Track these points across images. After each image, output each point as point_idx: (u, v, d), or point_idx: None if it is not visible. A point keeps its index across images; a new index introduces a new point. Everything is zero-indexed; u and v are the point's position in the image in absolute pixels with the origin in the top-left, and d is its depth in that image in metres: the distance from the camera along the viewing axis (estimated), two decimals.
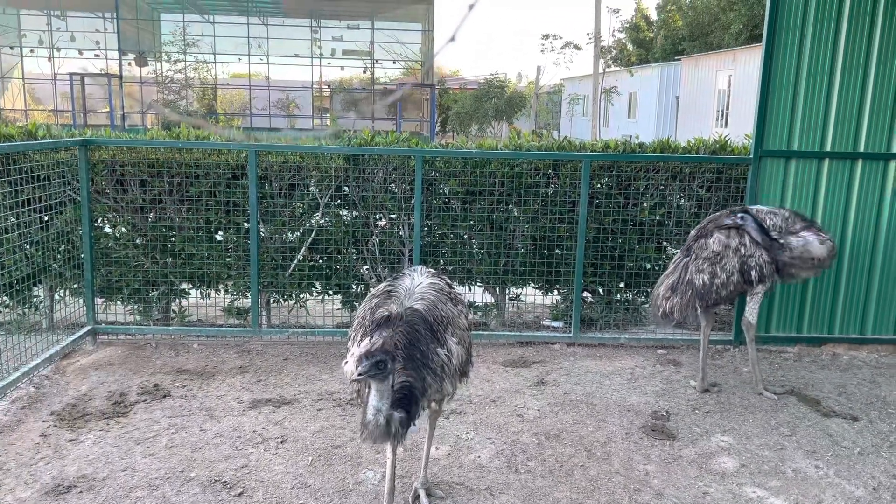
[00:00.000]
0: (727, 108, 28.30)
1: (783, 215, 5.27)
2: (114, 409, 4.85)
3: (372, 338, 3.28)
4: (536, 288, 6.67)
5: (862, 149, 6.10)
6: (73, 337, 5.90)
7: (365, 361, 2.96)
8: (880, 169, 6.16)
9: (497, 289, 6.73)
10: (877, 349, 6.37)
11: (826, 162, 6.13)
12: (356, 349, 3.34)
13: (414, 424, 3.19)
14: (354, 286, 6.47)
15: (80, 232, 6.04)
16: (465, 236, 6.47)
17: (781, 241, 5.10)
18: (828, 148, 6.10)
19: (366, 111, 31.98)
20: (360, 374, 2.95)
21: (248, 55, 33.32)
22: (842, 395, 5.38)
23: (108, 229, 6.33)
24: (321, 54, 34.42)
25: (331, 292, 6.53)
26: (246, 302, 6.46)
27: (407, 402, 3.11)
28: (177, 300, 6.55)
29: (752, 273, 5.13)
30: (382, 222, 6.46)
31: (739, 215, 5.16)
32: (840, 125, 6.07)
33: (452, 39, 2.07)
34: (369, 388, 3.09)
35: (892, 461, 4.39)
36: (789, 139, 6.10)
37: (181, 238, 6.23)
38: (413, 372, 3.17)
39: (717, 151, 6.43)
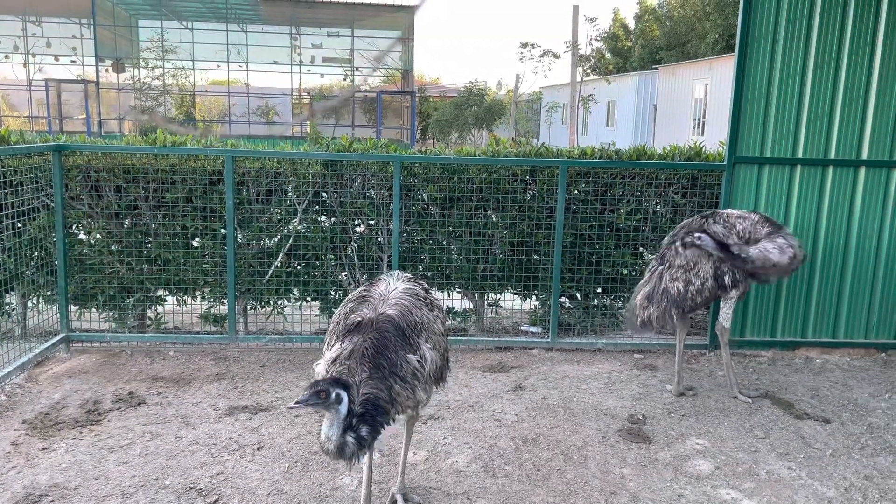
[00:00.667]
0: (704, 117, 28.66)
1: (752, 220, 5.33)
2: (87, 417, 4.78)
3: (343, 343, 3.26)
4: (515, 293, 6.70)
5: (832, 156, 6.21)
6: (47, 345, 5.82)
7: (307, 391, 2.91)
8: (850, 175, 6.27)
9: (476, 294, 6.75)
10: (849, 353, 6.47)
11: (798, 168, 6.23)
12: (328, 353, 3.33)
13: (379, 439, 3.16)
14: (333, 292, 6.46)
15: (54, 238, 5.97)
16: (444, 242, 6.48)
17: (742, 254, 5.07)
18: (799, 155, 6.20)
19: (346, 118, 31.97)
20: (296, 404, 2.90)
21: (227, 62, 33.18)
22: (814, 398, 5.46)
23: (82, 236, 6.26)
24: (301, 61, 34.36)
25: (309, 298, 6.50)
26: (223, 309, 6.42)
27: (371, 417, 3.06)
28: (153, 307, 6.49)
29: (726, 278, 5.19)
30: (361, 228, 6.46)
31: (696, 235, 5.15)
32: (811, 133, 6.18)
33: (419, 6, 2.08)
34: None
35: (863, 462, 4.46)
36: (762, 146, 6.20)
37: (157, 244, 6.18)
38: (379, 382, 3.12)
39: (692, 158, 6.51)
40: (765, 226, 5.26)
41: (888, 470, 4.37)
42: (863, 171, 6.27)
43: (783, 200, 6.26)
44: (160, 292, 6.42)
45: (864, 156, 6.24)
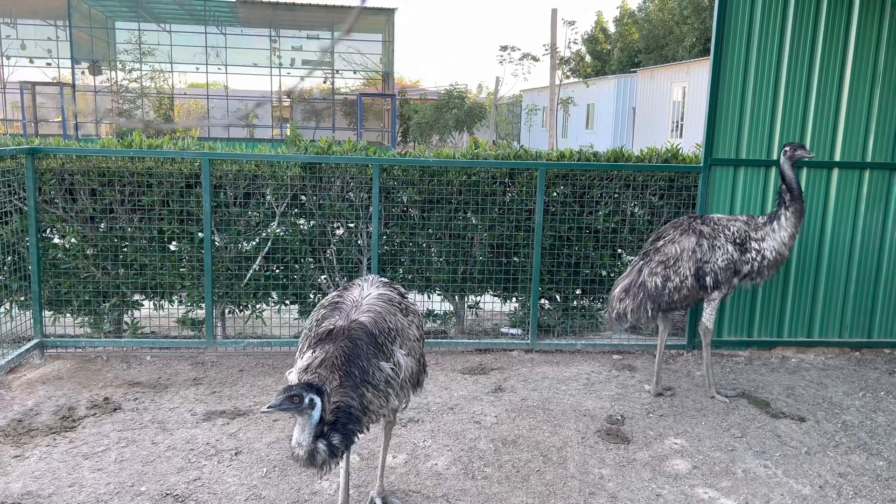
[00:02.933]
0: (682, 119, 28.92)
1: (742, 220, 5.41)
2: (61, 424, 4.72)
3: (314, 352, 3.23)
4: (495, 295, 6.71)
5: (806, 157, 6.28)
6: (20, 351, 5.73)
7: (280, 395, 2.89)
8: (824, 177, 6.37)
9: (456, 297, 6.75)
10: (823, 352, 6.56)
11: (773, 170, 6.30)
12: (299, 362, 3.30)
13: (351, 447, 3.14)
14: (312, 296, 6.42)
15: (27, 242, 5.88)
16: (424, 244, 6.48)
17: (761, 251, 5.32)
18: (774, 157, 6.28)
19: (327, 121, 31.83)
20: (269, 408, 2.87)
21: (206, 64, 32.91)
22: (790, 397, 5.52)
23: (56, 240, 6.18)
24: (280, 64, 34.20)
25: (287, 302, 6.47)
26: (200, 313, 6.36)
27: (343, 425, 3.03)
28: (129, 312, 6.42)
29: (708, 279, 5.23)
30: (340, 231, 6.44)
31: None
32: (785, 135, 6.26)
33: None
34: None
35: (837, 460, 4.52)
36: (738, 148, 6.27)
37: (133, 248, 6.11)
38: (350, 391, 3.09)
39: (669, 160, 6.57)
40: (758, 217, 5.44)
41: (862, 467, 4.43)
42: (836, 172, 6.36)
43: (759, 202, 6.33)
44: (136, 297, 6.35)
45: (837, 157, 6.33)
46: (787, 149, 5.35)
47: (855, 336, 6.61)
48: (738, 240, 5.29)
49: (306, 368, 3.18)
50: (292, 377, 3.25)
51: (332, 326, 3.29)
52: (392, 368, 3.31)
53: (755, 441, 4.75)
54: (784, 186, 5.35)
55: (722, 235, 5.27)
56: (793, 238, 5.35)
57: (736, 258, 5.27)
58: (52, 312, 6.21)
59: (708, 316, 5.40)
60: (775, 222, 5.33)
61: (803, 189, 6.33)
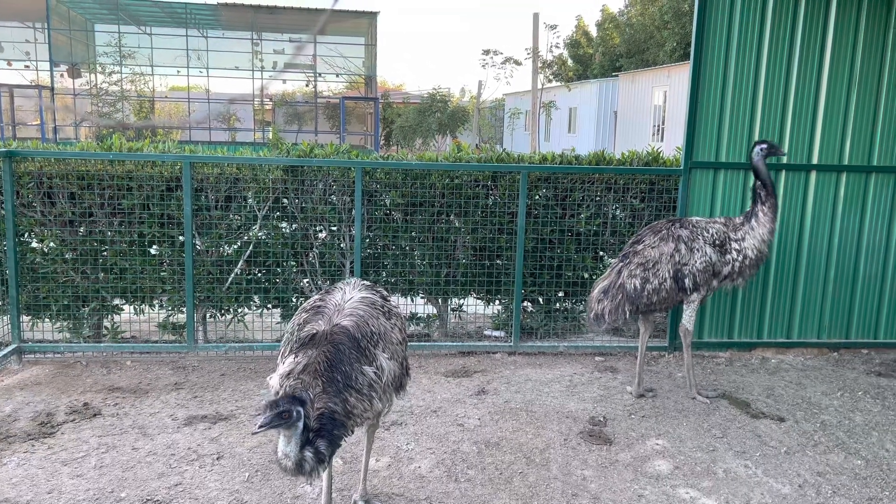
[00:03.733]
0: (663, 123, 29.16)
1: (721, 221, 5.49)
2: (40, 430, 4.66)
3: (296, 357, 3.20)
4: (478, 298, 6.72)
5: (785, 160, 6.38)
6: None
7: (268, 412, 2.86)
8: (802, 179, 6.45)
9: (439, 299, 6.75)
10: (802, 352, 6.64)
11: (752, 173, 6.37)
12: (281, 367, 3.28)
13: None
14: (294, 299, 6.40)
15: (5, 247, 5.81)
16: (407, 247, 6.48)
17: (743, 251, 5.40)
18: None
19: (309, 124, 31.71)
20: (260, 428, 2.84)
21: (188, 67, 32.68)
22: (770, 397, 5.58)
23: (35, 244, 6.11)
24: (262, 67, 34.03)
25: (270, 306, 6.44)
26: (182, 317, 6.31)
27: (328, 431, 3.03)
28: (109, 316, 6.35)
29: (686, 281, 5.28)
30: (323, 234, 6.42)
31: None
32: (764, 138, 6.32)
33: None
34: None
35: (816, 459, 4.57)
36: (717, 151, 6.34)
37: (113, 252, 6.06)
38: (334, 396, 3.08)
39: (650, 163, 6.63)
40: (735, 218, 5.53)
41: (840, 466, 4.49)
42: (814, 175, 6.45)
43: (738, 204, 6.40)
44: (117, 301, 6.28)
45: (815, 160, 6.42)
46: (763, 146, 5.45)
47: (833, 337, 6.70)
48: (717, 242, 5.35)
49: (288, 374, 3.15)
50: (273, 382, 3.23)
51: (314, 331, 3.27)
52: (375, 372, 3.30)
53: (736, 441, 4.80)
54: (759, 183, 5.45)
55: (700, 238, 5.33)
56: (772, 234, 5.45)
57: (715, 260, 5.33)
58: (30, 317, 6.14)
59: (688, 318, 5.44)
60: (753, 220, 5.42)
61: (782, 192, 6.44)
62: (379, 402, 3.35)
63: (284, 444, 2.96)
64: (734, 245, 5.38)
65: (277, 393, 3.15)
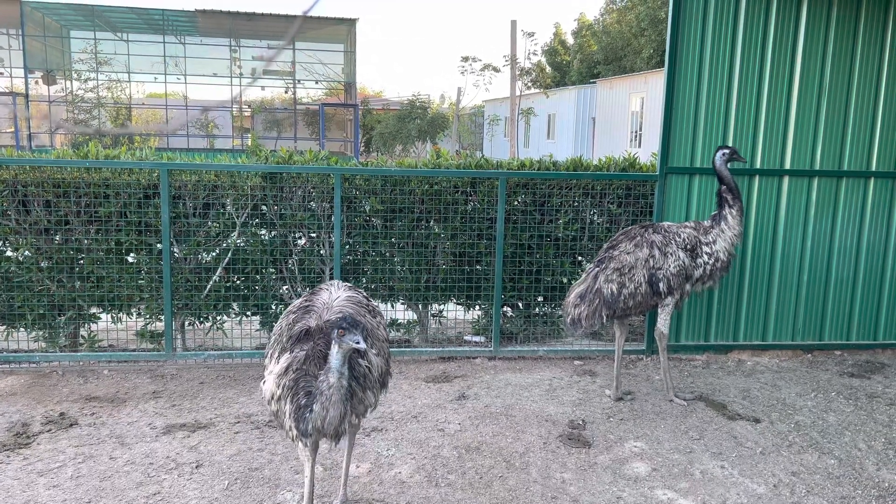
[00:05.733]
0: (640, 129, 29.45)
1: (691, 226, 5.57)
2: (15, 441, 4.60)
3: (293, 352, 3.25)
4: (458, 303, 6.74)
5: (759, 166, 6.49)
6: None
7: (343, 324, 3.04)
8: (775, 185, 6.57)
9: (419, 305, 6.77)
10: (777, 355, 6.74)
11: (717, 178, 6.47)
12: (275, 367, 3.31)
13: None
14: (274, 306, 6.38)
15: None
16: (387, 254, 6.49)
17: (714, 254, 5.48)
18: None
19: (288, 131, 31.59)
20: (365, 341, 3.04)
21: (165, 74, 32.42)
22: (746, 399, 5.66)
23: (9, 252, 6.03)
24: (241, 74, 33.87)
25: (249, 313, 6.41)
26: (160, 325, 6.27)
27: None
28: (86, 325, 6.29)
29: (661, 285, 5.35)
30: (302, 241, 6.42)
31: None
32: (738, 143, 6.44)
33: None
34: (329, 354, 3.11)
35: (790, 459, 4.65)
36: (692, 157, 6.43)
37: (90, 260, 6.00)
38: None
39: (627, 169, 6.71)
40: (703, 222, 5.64)
41: (814, 466, 4.56)
42: (786, 180, 6.57)
43: (713, 208, 6.47)
44: (93, 310, 6.22)
45: (787, 165, 6.54)
46: (725, 151, 5.59)
47: (807, 339, 6.81)
48: (688, 246, 5.44)
49: (286, 370, 3.20)
50: (268, 385, 3.26)
51: (307, 327, 3.34)
52: (367, 366, 3.40)
53: (712, 442, 4.86)
54: (724, 187, 5.57)
55: (673, 243, 5.42)
56: (740, 236, 5.58)
57: (687, 264, 5.42)
58: (4, 326, 6.06)
59: (662, 321, 5.51)
60: (723, 223, 5.53)
61: (756, 197, 6.54)
62: (371, 394, 3.46)
63: (340, 364, 3.09)
64: (705, 248, 5.48)
65: (273, 395, 3.21)
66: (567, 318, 5.40)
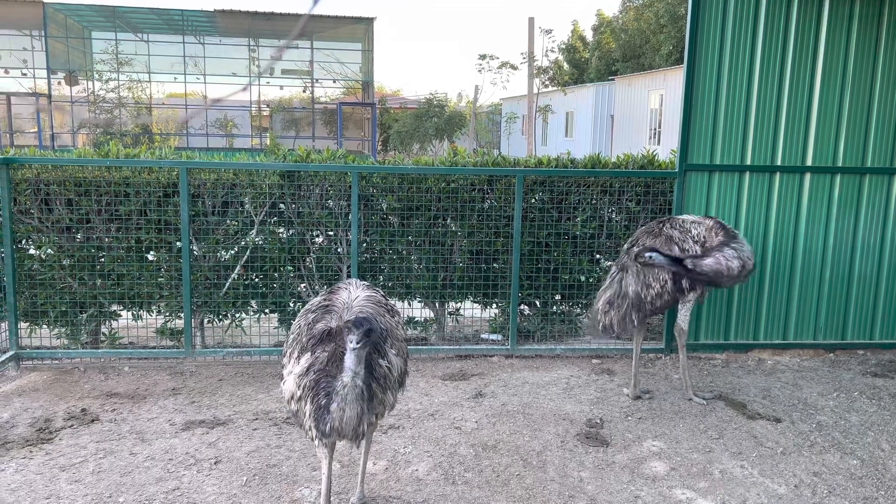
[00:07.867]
0: (659, 126, 29.23)
1: (707, 225, 5.45)
2: (38, 436, 4.66)
3: (314, 353, 3.25)
4: (475, 302, 6.73)
5: (779, 163, 6.41)
6: None
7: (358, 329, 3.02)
8: (796, 181, 6.48)
9: (436, 303, 6.77)
10: (798, 353, 6.66)
11: (746, 175, 6.42)
12: (295, 367, 3.30)
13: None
14: (291, 304, 6.41)
15: (2, 254, 5.82)
16: (404, 252, 6.49)
17: (696, 268, 5.12)
18: (748, 162, 6.39)
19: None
20: (358, 344, 3.00)
21: (185, 74, 32.71)
22: (766, 399, 5.60)
23: (32, 250, 6.12)
24: (259, 73, 34.06)
25: (267, 311, 6.45)
26: (179, 323, 6.33)
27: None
28: (107, 322, 6.37)
29: (684, 282, 5.30)
30: (320, 239, 6.44)
31: (647, 255, 5.12)
32: (758, 140, 6.37)
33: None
34: (343, 355, 3.10)
35: (812, 459, 4.59)
36: (712, 154, 6.37)
37: (111, 258, 6.07)
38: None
39: (645, 166, 6.65)
40: (718, 233, 5.36)
41: (836, 466, 4.50)
42: (808, 177, 6.49)
43: (733, 206, 6.43)
44: (114, 307, 6.30)
45: (809, 162, 6.45)
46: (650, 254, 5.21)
47: (829, 338, 6.72)
48: (700, 242, 5.35)
49: (307, 370, 3.20)
50: (289, 386, 3.27)
51: (328, 327, 3.34)
52: (387, 366, 3.40)
53: (732, 442, 4.81)
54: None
55: (689, 238, 5.35)
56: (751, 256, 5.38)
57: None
58: (28, 324, 6.15)
59: (683, 317, 5.46)
60: (720, 252, 5.29)
61: (777, 193, 6.46)
62: (391, 394, 3.46)
63: (355, 364, 3.05)
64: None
65: (294, 395, 3.23)
66: (598, 326, 5.40)
